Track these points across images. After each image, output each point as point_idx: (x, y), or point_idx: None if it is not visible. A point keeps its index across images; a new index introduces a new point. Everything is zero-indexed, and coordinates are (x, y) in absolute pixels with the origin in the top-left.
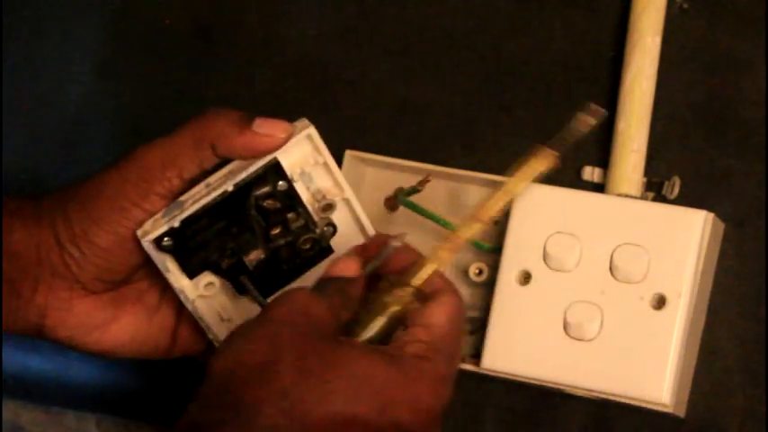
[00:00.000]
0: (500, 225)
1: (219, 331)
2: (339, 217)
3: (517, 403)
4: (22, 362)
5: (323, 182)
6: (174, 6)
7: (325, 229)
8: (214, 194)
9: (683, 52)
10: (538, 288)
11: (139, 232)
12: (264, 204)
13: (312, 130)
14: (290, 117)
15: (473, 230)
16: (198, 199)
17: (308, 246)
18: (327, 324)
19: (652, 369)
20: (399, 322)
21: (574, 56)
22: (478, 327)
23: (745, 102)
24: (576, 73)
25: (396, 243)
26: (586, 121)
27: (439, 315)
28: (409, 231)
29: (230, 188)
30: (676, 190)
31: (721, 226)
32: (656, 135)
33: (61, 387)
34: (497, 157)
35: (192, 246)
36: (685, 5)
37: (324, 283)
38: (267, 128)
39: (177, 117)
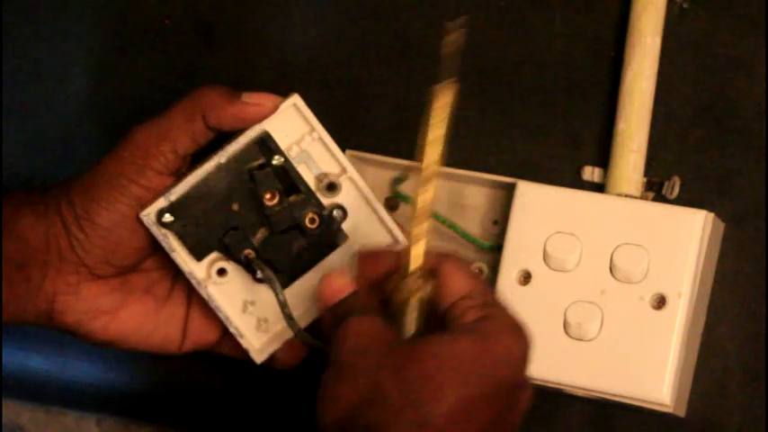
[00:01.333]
0: (500, 225)
1: (241, 325)
2: (348, 200)
3: None
4: (22, 362)
5: (326, 165)
6: (174, 6)
7: (335, 212)
8: (207, 166)
9: (683, 52)
10: (538, 288)
11: (142, 213)
12: (258, 176)
13: (297, 99)
14: None
15: (430, 191)
16: (190, 178)
17: (314, 225)
18: (387, 333)
19: (652, 369)
20: (427, 307)
21: (574, 56)
22: None
23: (745, 102)
24: (576, 73)
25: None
26: (454, 39)
27: (456, 280)
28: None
29: (223, 160)
30: (676, 190)
31: (721, 226)
32: (656, 135)
33: (61, 387)
34: (497, 157)
35: (194, 224)
36: (685, 5)
37: (345, 309)
38: (255, 98)
39: None
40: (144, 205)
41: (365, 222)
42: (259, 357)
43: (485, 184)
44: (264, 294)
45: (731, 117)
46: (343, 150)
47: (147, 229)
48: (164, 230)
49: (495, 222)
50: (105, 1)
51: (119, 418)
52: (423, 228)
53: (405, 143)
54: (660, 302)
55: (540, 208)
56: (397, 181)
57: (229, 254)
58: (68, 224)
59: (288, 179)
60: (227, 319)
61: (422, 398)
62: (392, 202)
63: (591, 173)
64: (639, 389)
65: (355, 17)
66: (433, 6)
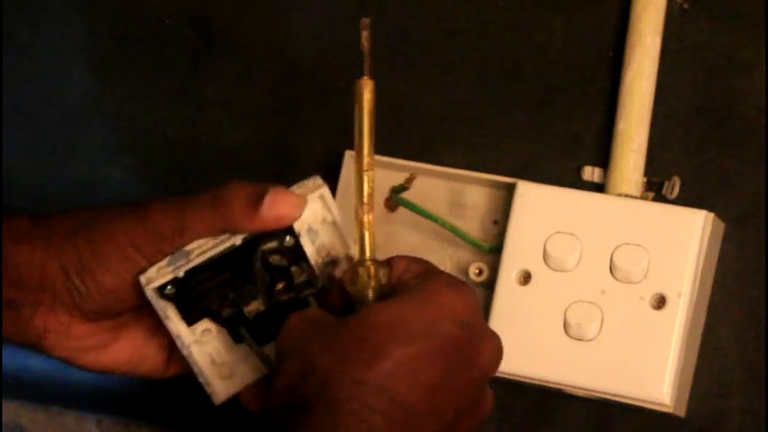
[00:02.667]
0: (500, 225)
1: (211, 375)
2: (340, 271)
3: (517, 403)
4: (22, 362)
5: (328, 238)
6: (173, 6)
7: (327, 283)
8: (222, 247)
9: (683, 52)
10: (538, 288)
11: (143, 279)
12: (270, 260)
13: (325, 191)
14: (290, 117)
15: (370, 181)
16: (205, 251)
17: (309, 298)
18: (326, 317)
19: (652, 369)
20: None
21: (574, 56)
22: None
23: (745, 102)
24: (576, 73)
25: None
26: (367, 35)
27: (402, 263)
28: (409, 232)
29: (238, 242)
30: (676, 190)
31: (721, 226)
32: (656, 135)
33: (61, 387)
34: (497, 157)
35: (193, 294)
36: (685, 5)
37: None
38: (279, 209)
39: (177, 117)
40: (144, 269)
41: None
42: (218, 400)
43: (485, 184)
44: (242, 350)
45: (731, 117)
46: (344, 150)
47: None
48: (164, 302)
49: (495, 222)
50: (105, 1)
51: (119, 418)
52: (369, 217)
53: (405, 143)
54: (660, 302)
55: (540, 208)
56: (398, 190)
57: (224, 324)
58: (69, 272)
59: (293, 254)
60: (200, 371)
61: (360, 360)
62: (392, 203)
63: (591, 173)
64: (639, 389)
65: (355, 17)
66: (433, 6)
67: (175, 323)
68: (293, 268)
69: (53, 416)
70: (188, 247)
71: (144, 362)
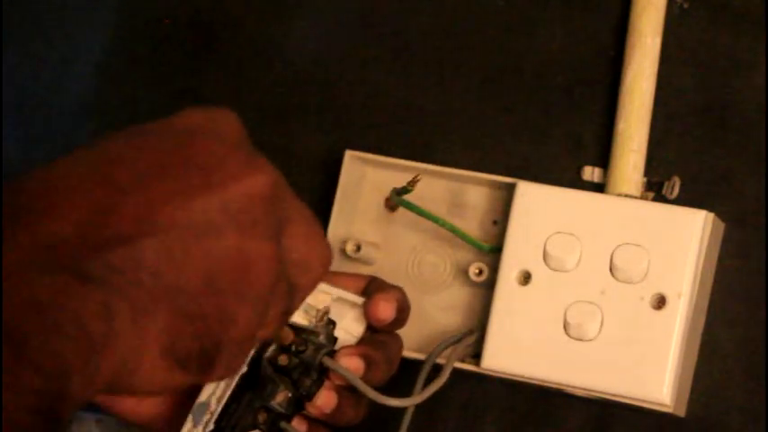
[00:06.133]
0: (500, 225)
1: None
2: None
3: (517, 403)
4: None
5: (311, 298)
6: (174, 6)
7: (329, 328)
8: (233, 382)
9: (683, 52)
10: (538, 288)
11: None
12: (279, 362)
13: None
14: (290, 117)
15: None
16: (220, 395)
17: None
18: None
19: (652, 369)
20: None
21: (574, 56)
22: None
23: (745, 102)
24: (576, 73)
25: None
26: None
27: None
28: (408, 232)
29: (245, 369)
30: (676, 190)
31: (721, 226)
32: (656, 135)
33: None
34: (497, 157)
35: (225, 425)
36: (685, 5)
37: None
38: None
39: None
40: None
41: (351, 317)
42: None
43: (485, 184)
44: None
45: (731, 117)
46: (344, 150)
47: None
48: None
49: (495, 222)
50: (105, 1)
51: None
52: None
53: (405, 143)
54: (660, 302)
55: (540, 208)
56: (401, 192)
57: (265, 429)
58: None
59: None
60: None
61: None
62: (392, 203)
63: (591, 173)
64: (639, 389)
65: (355, 17)
66: (433, 6)
67: None
68: (302, 355)
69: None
70: (202, 399)
71: (165, 415)
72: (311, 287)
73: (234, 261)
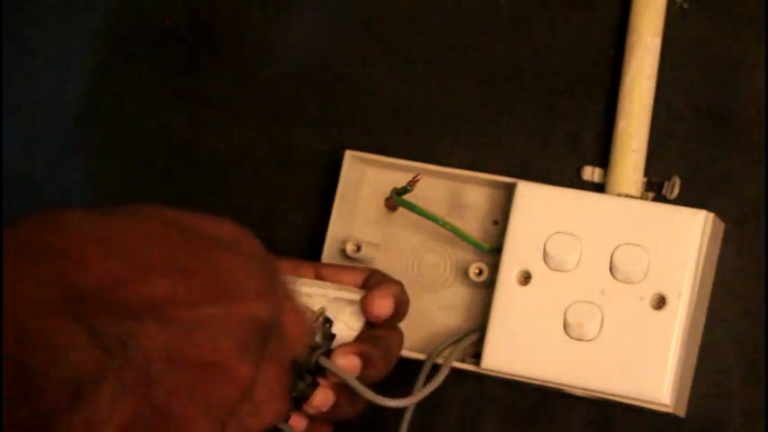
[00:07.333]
0: (500, 225)
1: None
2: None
3: (517, 403)
4: None
5: (306, 300)
6: (174, 6)
7: (326, 327)
8: None
9: (683, 52)
10: (538, 288)
11: None
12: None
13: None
14: (290, 117)
15: None
16: None
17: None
18: None
19: (652, 369)
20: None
21: (574, 56)
22: None
23: (745, 102)
24: (576, 73)
25: None
26: None
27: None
28: (409, 232)
29: None
30: (676, 190)
31: (721, 226)
32: (656, 135)
33: None
34: (497, 157)
35: None
36: (685, 5)
37: None
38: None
39: (177, 117)
40: None
41: (348, 307)
42: None
43: (485, 184)
44: None
45: (731, 117)
46: (344, 150)
47: None
48: None
49: (495, 222)
50: (105, 1)
51: None
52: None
53: (405, 143)
54: (660, 302)
55: (540, 208)
56: (401, 192)
57: None
58: None
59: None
60: None
61: None
62: (392, 203)
63: (591, 173)
64: (639, 389)
65: (355, 17)
66: (433, 6)
67: None
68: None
69: None
70: None
71: None
72: (255, 430)
73: (214, 373)
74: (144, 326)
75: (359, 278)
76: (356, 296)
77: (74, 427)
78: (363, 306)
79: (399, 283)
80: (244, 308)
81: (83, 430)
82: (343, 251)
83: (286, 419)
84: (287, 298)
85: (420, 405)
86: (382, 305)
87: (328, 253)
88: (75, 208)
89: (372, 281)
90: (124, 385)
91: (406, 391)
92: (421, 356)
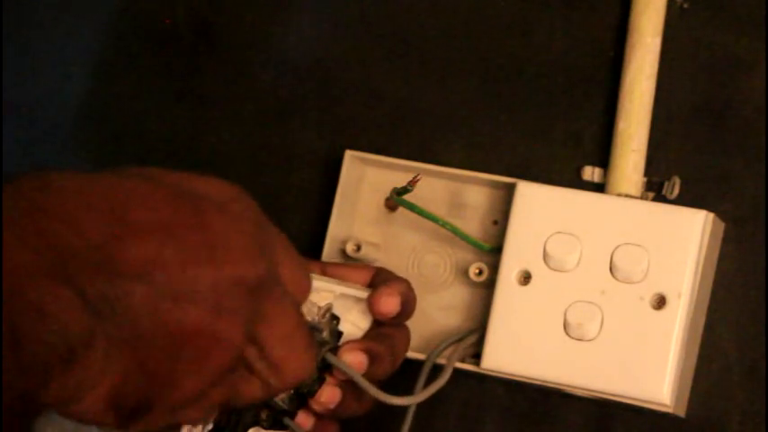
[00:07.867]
0: (500, 225)
1: None
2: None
3: (517, 403)
4: None
5: (314, 296)
6: (174, 6)
7: (333, 324)
8: None
9: (683, 52)
10: (538, 288)
11: None
12: (265, 419)
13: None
14: (290, 117)
15: None
16: None
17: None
18: None
19: (652, 369)
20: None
21: (574, 56)
22: None
23: (745, 102)
24: (576, 73)
25: None
26: None
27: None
28: (409, 232)
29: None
30: (676, 190)
31: (721, 226)
32: (656, 135)
33: None
34: (497, 157)
35: (226, 423)
36: (685, 5)
37: None
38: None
39: (177, 117)
40: None
41: (357, 312)
42: None
43: (485, 184)
44: None
45: (731, 117)
46: (344, 150)
47: None
48: None
49: (495, 222)
50: (105, 1)
51: None
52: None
53: (405, 143)
54: (660, 302)
55: (540, 208)
56: (401, 191)
57: (268, 426)
58: None
59: None
60: None
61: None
62: (392, 203)
63: (591, 173)
64: (639, 389)
65: (355, 17)
66: (433, 6)
67: None
68: None
69: (52, 415)
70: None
71: None
72: (282, 389)
73: (202, 335)
74: (132, 287)
75: (366, 276)
76: (363, 294)
77: (65, 389)
78: (370, 303)
79: (406, 281)
80: (232, 269)
81: (74, 391)
82: (343, 251)
83: (293, 415)
84: (282, 250)
85: (420, 405)
86: (389, 303)
87: (328, 253)
88: (62, 169)
89: (379, 279)
90: (114, 347)
91: (404, 391)
92: (421, 356)
